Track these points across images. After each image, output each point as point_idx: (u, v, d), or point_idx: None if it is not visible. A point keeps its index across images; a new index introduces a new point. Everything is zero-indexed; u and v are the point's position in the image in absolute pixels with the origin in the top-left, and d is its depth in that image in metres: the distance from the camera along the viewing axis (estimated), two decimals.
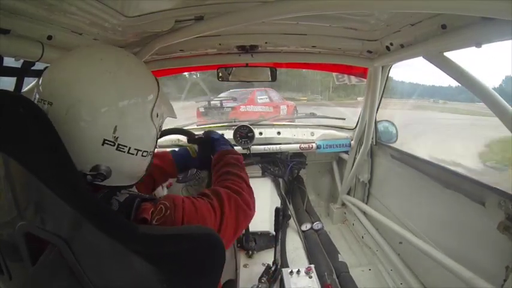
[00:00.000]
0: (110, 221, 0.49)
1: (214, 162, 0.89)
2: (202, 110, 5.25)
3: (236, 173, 0.80)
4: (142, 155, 0.62)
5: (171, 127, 2.00)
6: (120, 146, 0.57)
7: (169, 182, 1.52)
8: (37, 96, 0.56)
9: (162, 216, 0.57)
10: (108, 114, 0.55)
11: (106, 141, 0.55)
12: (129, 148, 0.59)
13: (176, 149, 1.06)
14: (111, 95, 0.56)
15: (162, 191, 2.35)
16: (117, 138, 0.56)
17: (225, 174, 0.80)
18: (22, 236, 0.49)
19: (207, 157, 1.00)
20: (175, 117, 0.75)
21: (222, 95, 6.13)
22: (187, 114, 4.53)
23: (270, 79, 1.81)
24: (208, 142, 1.00)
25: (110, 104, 0.56)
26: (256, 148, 2.26)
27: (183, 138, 2.17)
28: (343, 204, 2.55)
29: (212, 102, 5.20)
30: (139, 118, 0.60)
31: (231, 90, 6.25)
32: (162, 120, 0.68)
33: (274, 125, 2.48)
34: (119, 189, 0.61)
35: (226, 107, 5.26)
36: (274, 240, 1.25)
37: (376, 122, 2.10)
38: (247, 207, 0.73)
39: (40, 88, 0.56)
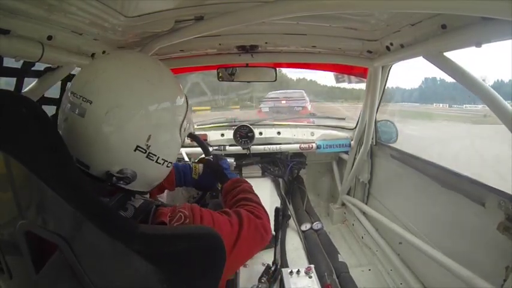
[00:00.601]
0: (110, 220, 0.49)
1: (228, 189, 0.93)
2: (266, 110, 5.22)
3: (255, 200, 0.84)
4: (167, 166, 0.65)
5: None
6: (150, 155, 0.60)
7: None
8: (73, 90, 0.57)
9: (181, 223, 0.59)
10: (145, 122, 0.58)
11: (138, 148, 0.58)
12: (158, 158, 0.61)
13: (180, 163, 1.09)
14: (150, 104, 0.59)
15: (162, 193, 2.35)
16: (149, 146, 0.59)
17: (243, 200, 0.83)
18: (23, 235, 0.49)
19: (208, 182, 1.06)
20: (194, 132, 0.78)
21: (272, 95, 5.90)
22: None
23: (270, 79, 1.82)
24: (217, 169, 1.04)
25: (147, 113, 0.58)
26: (256, 148, 2.26)
27: (186, 139, 2.18)
28: (343, 205, 2.55)
29: (277, 104, 5.19)
30: (171, 131, 0.63)
31: (279, 91, 5.92)
32: (186, 134, 0.71)
33: (274, 125, 2.48)
34: (133, 194, 0.62)
35: (297, 106, 5.18)
36: (274, 240, 1.24)
37: (376, 122, 2.10)
38: (264, 232, 0.76)
39: (80, 82, 0.58)
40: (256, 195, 0.89)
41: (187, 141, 2.15)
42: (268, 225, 0.79)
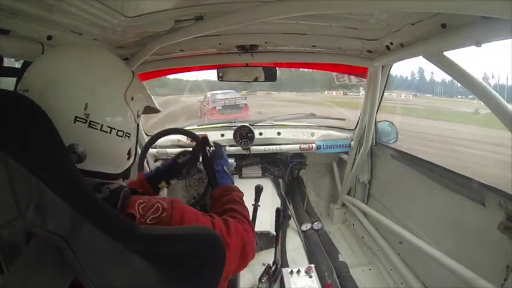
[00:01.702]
0: (109, 220, 0.49)
1: (216, 196, 0.89)
2: (219, 108, 6.03)
3: (242, 212, 0.81)
4: (117, 135, 0.63)
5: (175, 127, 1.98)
6: (92, 123, 0.58)
7: None
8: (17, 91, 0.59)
9: (157, 217, 0.57)
10: (78, 92, 0.58)
11: (77, 119, 0.57)
12: (102, 125, 0.59)
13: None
14: (80, 75, 0.59)
15: (162, 192, 2.35)
16: (88, 115, 0.58)
17: (230, 211, 0.80)
18: (23, 235, 0.49)
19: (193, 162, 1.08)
20: (156, 107, 0.77)
21: (220, 96, 6.69)
22: None
23: (270, 79, 1.81)
24: (209, 169, 1.01)
25: (78, 83, 0.58)
26: (256, 148, 2.26)
27: (183, 139, 2.18)
28: (343, 205, 2.55)
29: (228, 102, 6.11)
30: (110, 98, 0.62)
31: (225, 91, 6.80)
32: (140, 105, 0.70)
33: (274, 125, 2.48)
34: (104, 185, 0.60)
35: (241, 104, 6.20)
36: (275, 240, 1.25)
37: (376, 122, 2.10)
38: (250, 248, 0.73)
39: (21, 82, 0.60)
40: (246, 208, 0.86)
41: (187, 141, 2.17)
42: (253, 241, 0.76)
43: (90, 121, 0.58)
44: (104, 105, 0.61)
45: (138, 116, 0.69)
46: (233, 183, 0.97)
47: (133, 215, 0.55)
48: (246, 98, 6.68)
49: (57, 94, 0.56)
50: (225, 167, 1.00)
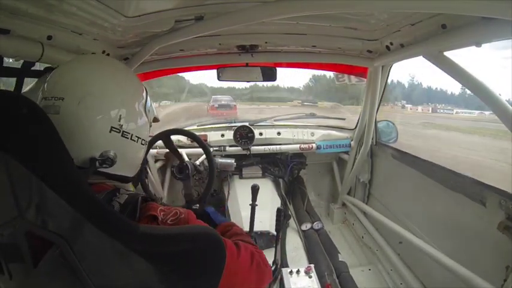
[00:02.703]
0: (110, 220, 0.49)
1: (220, 232, 0.91)
2: (216, 105, 7.99)
3: (249, 240, 0.84)
4: (141, 143, 0.70)
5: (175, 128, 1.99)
6: (124, 133, 0.65)
7: None
8: (45, 95, 0.61)
9: (176, 218, 0.60)
10: (113, 104, 0.64)
11: (113, 129, 0.63)
12: (132, 135, 0.67)
13: None
14: (113, 89, 0.65)
15: (162, 191, 2.36)
16: (121, 125, 0.64)
17: (239, 240, 0.81)
18: (23, 235, 0.49)
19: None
20: (158, 120, 0.83)
21: (218, 97, 8.48)
22: None
23: (270, 79, 1.81)
24: (204, 215, 1.10)
25: (114, 97, 0.64)
26: (256, 149, 2.26)
27: (183, 139, 2.18)
28: (343, 205, 2.55)
29: (223, 102, 8.05)
30: (137, 109, 0.69)
31: (222, 96, 8.50)
32: (151, 115, 0.76)
33: (274, 125, 2.48)
34: (119, 190, 0.62)
35: (232, 104, 8.02)
36: (275, 240, 1.25)
37: (376, 122, 2.10)
38: (264, 265, 0.76)
39: (49, 87, 0.62)
40: (249, 236, 0.90)
41: (188, 141, 2.17)
42: (266, 261, 0.79)
43: (123, 131, 0.65)
44: (133, 116, 0.67)
45: (150, 125, 0.77)
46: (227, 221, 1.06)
47: (155, 216, 0.59)
48: (234, 101, 8.44)
49: (96, 105, 0.61)
50: (213, 209, 1.13)
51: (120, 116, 0.64)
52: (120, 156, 0.64)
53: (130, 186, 0.76)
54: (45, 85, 0.63)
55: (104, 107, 0.62)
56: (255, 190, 1.23)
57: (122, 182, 0.68)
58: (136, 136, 0.68)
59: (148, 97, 0.74)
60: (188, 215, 0.63)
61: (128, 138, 0.66)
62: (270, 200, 1.90)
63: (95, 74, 0.65)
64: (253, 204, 1.22)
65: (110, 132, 0.62)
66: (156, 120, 0.82)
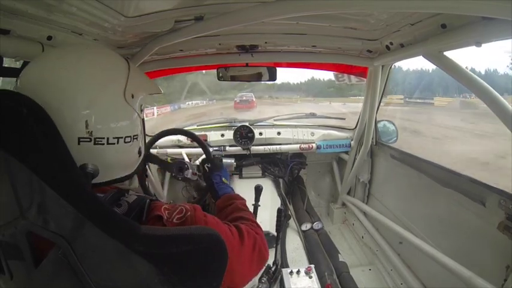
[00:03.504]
0: (111, 220, 0.49)
1: (220, 207, 0.92)
2: (238, 101, 10.23)
3: (249, 218, 0.84)
4: (125, 142, 0.59)
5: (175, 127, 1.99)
6: (97, 140, 0.54)
7: None
8: None
9: (183, 216, 0.59)
10: (75, 111, 0.53)
11: (81, 140, 0.53)
12: (107, 139, 0.56)
13: None
14: (72, 91, 0.53)
15: (162, 191, 2.36)
16: (91, 132, 0.54)
17: (239, 219, 0.83)
18: (24, 235, 0.49)
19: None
20: (160, 92, 0.73)
21: (241, 94, 10.83)
22: None
23: (270, 79, 1.81)
24: (208, 182, 1.07)
25: (72, 101, 0.53)
26: (256, 148, 2.26)
27: (183, 139, 2.18)
28: (343, 204, 2.55)
29: (244, 98, 10.30)
30: (111, 104, 0.57)
31: (243, 93, 10.76)
32: (141, 99, 0.65)
33: (274, 125, 2.48)
34: (127, 190, 0.62)
35: (250, 99, 10.22)
36: (275, 240, 1.25)
37: (376, 122, 2.10)
38: (264, 248, 0.77)
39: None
40: (250, 212, 0.89)
41: (187, 141, 2.17)
42: (265, 242, 0.80)
43: (94, 138, 0.54)
44: (105, 117, 0.56)
45: (141, 110, 0.66)
46: (233, 191, 1.01)
47: (160, 216, 0.57)
48: (252, 96, 10.69)
49: (54, 119, 0.50)
50: (223, 178, 1.03)
51: (87, 121, 0.53)
52: (101, 165, 0.55)
53: (135, 182, 0.72)
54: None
55: (62, 118, 0.51)
56: (258, 190, 1.23)
57: (121, 181, 0.63)
58: (114, 137, 0.57)
59: (133, 78, 0.61)
60: (195, 212, 0.61)
61: (103, 144, 0.55)
62: (270, 200, 1.90)
63: (50, 79, 0.53)
64: (256, 205, 1.23)
65: (79, 144, 0.53)
66: (157, 92, 0.70)
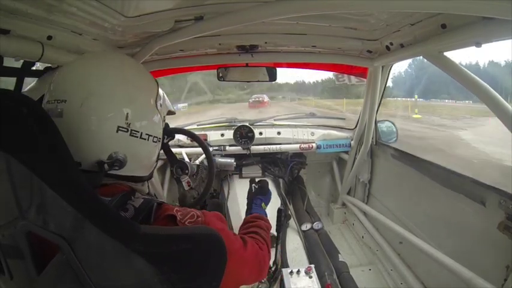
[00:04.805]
0: (110, 220, 0.49)
1: (246, 221, 0.96)
2: (251, 101, 10.54)
3: (263, 235, 0.87)
4: (153, 141, 0.67)
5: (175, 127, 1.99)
6: (133, 132, 0.62)
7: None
8: (48, 98, 0.60)
9: (194, 221, 0.61)
10: (119, 103, 0.60)
11: (120, 128, 0.60)
12: (141, 133, 0.63)
13: None
14: (118, 86, 0.62)
15: (162, 191, 2.36)
16: (129, 124, 0.61)
17: (253, 233, 0.86)
18: (24, 235, 0.49)
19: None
20: (173, 110, 0.81)
21: (254, 96, 11.10)
22: None
23: (270, 79, 1.81)
24: (248, 200, 1.13)
25: (119, 94, 0.61)
26: (256, 148, 2.26)
27: (183, 138, 2.18)
28: (343, 204, 2.55)
29: (256, 99, 10.57)
30: (146, 106, 0.66)
31: (258, 95, 10.97)
32: (164, 110, 0.73)
33: (274, 125, 2.48)
34: (134, 193, 0.63)
35: (261, 100, 10.56)
36: (276, 240, 1.25)
37: (376, 122, 2.10)
38: (263, 262, 0.79)
39: (52, 90, 0.60)
40: (268, 235, 0.92)
41: (187, 141, 2.17)
42: (267, 259, 0.82)
43: (131, 130, 0.61)
44: (142, 114, 0.64)
45: (164, 120, 0.73)
46: (266, 216, 1.04)
47: (174, 216, 0.59)
48: (265, 96, 11.13)
49: (99, 105, 0.58)
50: (263, 203, 1.09)
51: (128, 114, 0.60)
52: (130, 156, 0.61)
53: (145, 187, 0.74)
54: (49, 87, 0.62)
55: (108, 107, 0.59)
56: (253, 181, 1.25)
57: (135, 182, 0.67)
58: (146, 134, 0.64)
59: (160, 91, 0.71)
60: (205, 219, 0.63)
61: (137, 137, 0.62)
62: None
63: (98, 72, 0.62)
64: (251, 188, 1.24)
65: (117, 132, 0.59)
66: (171, 113, 0.79)
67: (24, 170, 0.47)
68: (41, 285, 0.51)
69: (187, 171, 1.48)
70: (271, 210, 1.55)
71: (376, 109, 1.99)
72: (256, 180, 1.21)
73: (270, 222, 1.32)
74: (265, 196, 1.13)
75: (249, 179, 1.24)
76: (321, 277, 1.37)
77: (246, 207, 1.11)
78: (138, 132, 0.62)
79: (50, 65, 1.02)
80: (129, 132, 0.61)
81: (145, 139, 0.64)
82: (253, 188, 1.17)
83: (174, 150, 2.18)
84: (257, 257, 0.76)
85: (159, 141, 0.70)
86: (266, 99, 11.36)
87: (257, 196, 1.12)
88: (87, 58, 0.69)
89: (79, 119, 0.57)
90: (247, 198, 1.15)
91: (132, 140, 0.62)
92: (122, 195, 0.59)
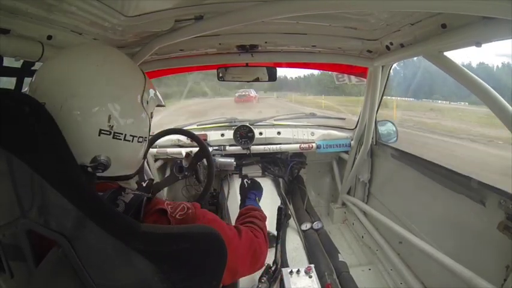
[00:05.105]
0: (111, 219, 0.49)
1: (241, 213, 0.98)
2: (237, 95, 10.84)
3: (259, 224, 0.88)
4: (138, 141, 0.65)
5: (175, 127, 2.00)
6: (116, 134, 0.59)
7: None
8: None
9: (185, 213, 0.61)
10: (101, 104, 0.57)
11: (102, 131, 0.57)
12: (125, 135, 0.61)
13: None
14: (101, 86, 0.58)
15: (162, 192, 2.36)
16: (112, 126, 0.58)
17: (248, 223, 0.88)
18: (24, 233, 0.49)
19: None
20: (163, 104, 0.78)
21: (240, 91, 11.32)
22: None
23: (270, 79, 1.81)
24: (242, 193, 1.16)
25: (101, 94, 0.58)
26: (256, 148, 2.26)
27: (183, 138, 2.18)
28: (343, 204, 2.55)
29: (242, 94, 10.96)
30: (130, 105, 0.63)
31: (243, 90, 11.12)
32: (152, 106, 0.71)
33: (274, 125, 2.48)
34: (124, 189, 0.62)
35: (249, 95, 10.81)
36: (275, 240, 1.25)
37: (376, 122, 2.10)
38: (259, 251, 0.79)
39: (31, 91, 0.58)
40: (264, 224, 0.93)
41: (187, 141, 2.17)
42: (264, 247, 0.83)
43: (114, 132, 0.59)
44: (126, 114, 0.61)
45: (151, 117, 0.71)
46: (259, 208, 1.06)
47: (164, 210, 0.59)
48: (252, 90, 11.07)
49: (80, 107, 0.55)
50: (257, 198, 1.13)
51: (110, 116, 0.58)
52: (114, 158, 0.60)
53: (134, 183, 0.73)
54: (29, 88, 0.59)
55: (89, 109, 0.56)
56: (245, 176, 1.29)
57: (122, 180, 0.66)
58: (131, 135, 0.62)
59: (148, 86, 0.68)
60: (195, 210, 0.63)
61: (120, 139, 0.60)
62: (269, 199, 1.90)
63: (78, 71, 0.58)
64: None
65: (99, 135, 0.57)
66: (160, 105, 0.76)
67: (25, 169, 0.47)
68: (37, 281, 0.51)
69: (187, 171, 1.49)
70: (271, 210, 1.55)
71: (376, 109, 1.99)
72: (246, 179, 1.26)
73: (270, 221, 1.33)
74: (258, 191, 1.16)
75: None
76: (320, 277, 1.37)
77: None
78: (122, 134, 0.60)
79: (38, 69, 1.02)
80: (111, 135, 0.59)
81: (129, 140, 0.62)
82: (245, 183, 1.20)
83: (174, 150, 2.19)
84: (252, 245, 0.76)
85: (145, 140, 0.68)
86: (253, 93, 11.21)
87: (251, 191, 1.14)
88: (68, 54, 0.63)
89: (59, 122, 0.52)
90: (240, 193, 1.17)
91: (115, 142, 0.60)
92: (112, 192, 0.59)
